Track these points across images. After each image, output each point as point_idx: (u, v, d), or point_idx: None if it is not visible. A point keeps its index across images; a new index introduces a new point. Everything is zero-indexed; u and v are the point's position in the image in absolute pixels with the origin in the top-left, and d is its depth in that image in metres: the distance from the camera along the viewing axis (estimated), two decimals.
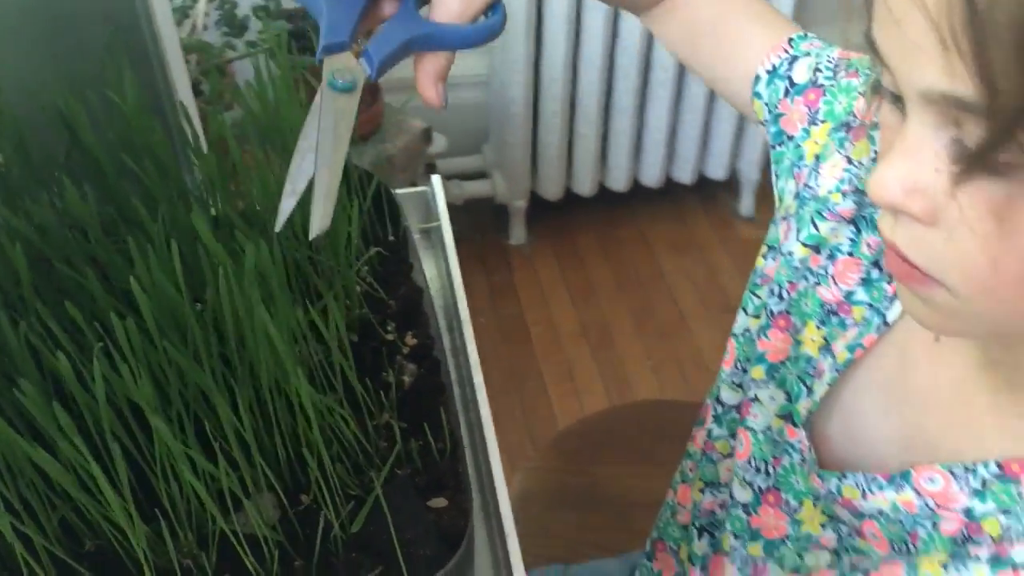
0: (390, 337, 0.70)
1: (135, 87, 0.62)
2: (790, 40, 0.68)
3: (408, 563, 0.56)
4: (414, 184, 1.91)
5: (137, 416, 0.53)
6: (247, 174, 0.66)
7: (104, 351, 0.51)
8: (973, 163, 0.39)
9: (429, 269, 0.85)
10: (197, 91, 1.23)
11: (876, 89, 0.46)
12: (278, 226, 0.51)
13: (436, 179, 0.85)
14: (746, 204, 2.31)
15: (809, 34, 0.69)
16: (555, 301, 2.15)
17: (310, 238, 0.50)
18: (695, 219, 2.33)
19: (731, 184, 2.30)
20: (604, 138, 2.12)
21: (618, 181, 2.18)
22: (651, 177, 2.20)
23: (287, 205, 0.51)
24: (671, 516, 0.85)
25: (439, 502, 0.61)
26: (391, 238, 0.78)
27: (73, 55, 0.71)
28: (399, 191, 0.83)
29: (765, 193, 2.31)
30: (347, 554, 0.57)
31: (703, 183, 2.27)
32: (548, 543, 1.10)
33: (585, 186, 2.17)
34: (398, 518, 0.58)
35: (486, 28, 0.55)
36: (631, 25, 1.90)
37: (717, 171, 2.22)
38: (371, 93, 1.69)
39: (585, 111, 2.03)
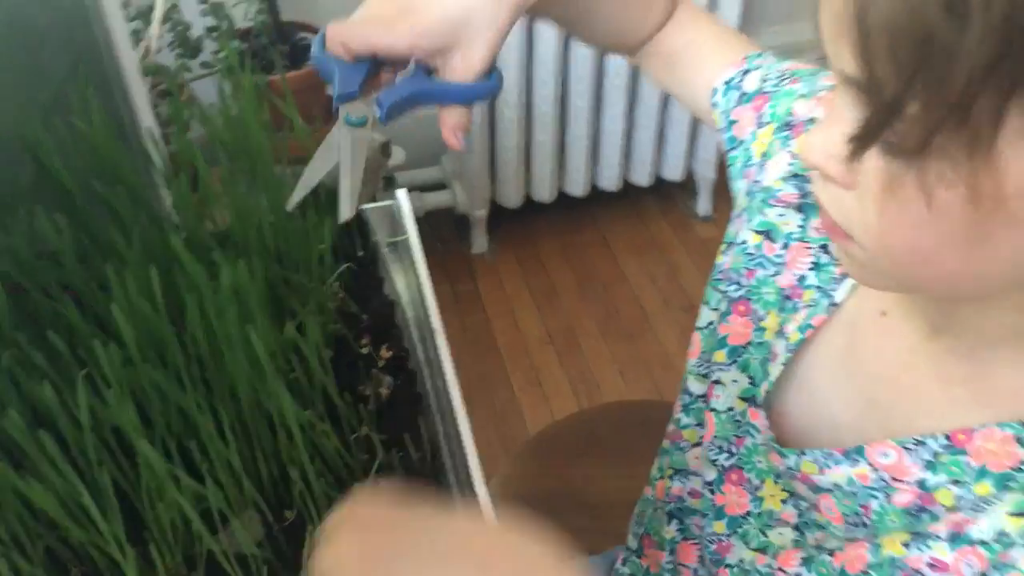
0: (365, 351, 0.71)
1: (101, 113, 0.62)
2: (745, 57, 0.75)
3: None
4: (374, 198, 1.91)
5: (119, 441, 0.54)
6: (215, 196, 0.67)
7: (85, 378, 0.51)
8: (861, 140, 0.43)
9: (398, 281, 0.86)
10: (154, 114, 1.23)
11: (824, 59, 0.50)
12: (290, 206, 0.62)
13: (402, 192, 0.86)
14: (703, 204, 2.34)
15: (764, 52, 0.75)
16: (520, 308, 2.16)
17: (339, 223, 0.61)
18: (654, 220, 2.35)
19: (687, 185, 2.33)
20: (561, 144, 2.13)
21: (577, 186, 2.20)
22: (609, 181, 2.22)
23: (299, 195, 0.63)
24: (654, 511, 0.87)
25: None
26: (360, 253, 0.79)
27: (34, 83, 0.71)
28: (366, 206, 0.84)
29: (721, 192, 2.34)
30: None
31: (660, 185, 2.29)
32: None
33: (544, 192, 2.19)
34: None
35: (484, 88, 0.64)
36: None
37: (673, 172, 2.25)
38: (327, 110, 1.69)
39: (542, 118, 2.04)
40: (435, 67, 0.64)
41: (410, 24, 0.61)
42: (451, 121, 0.65)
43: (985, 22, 0.37)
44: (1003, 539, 0.50)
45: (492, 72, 0.64)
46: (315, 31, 1.67)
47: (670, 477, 0.82)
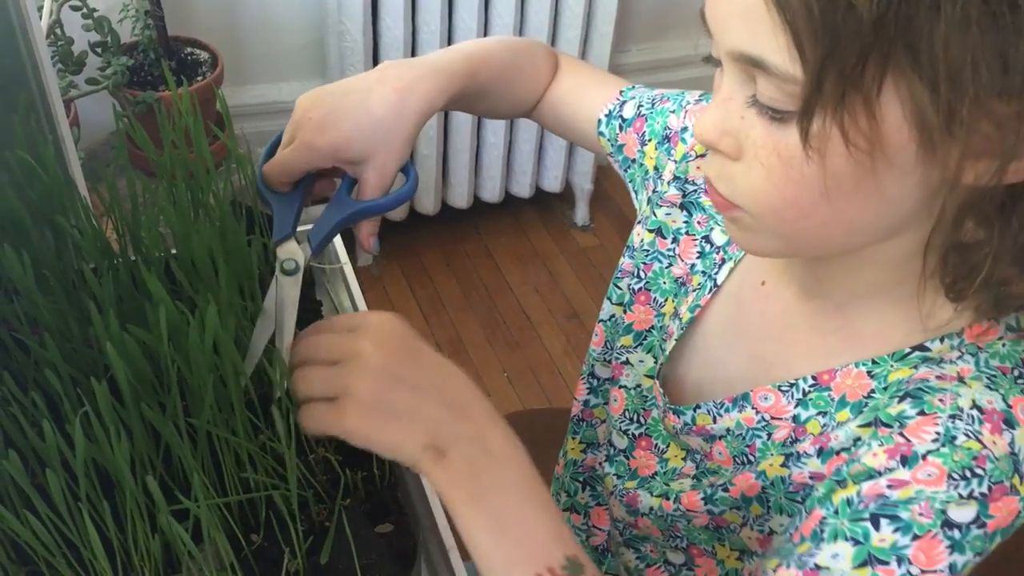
0: None
1: (46, 145, 0.62)
2: (620, 91, 0.85)
3: None
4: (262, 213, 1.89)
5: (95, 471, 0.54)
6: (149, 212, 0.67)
7: (58, 415, 0.51)
8: (805, 111, 0.49)
9: (327, 304, 0.88)
10: None
11: (708, 59, 0.58)
12: (248, 370, 0.64)
13: None
14: (581, 213, 2.42)
15: (636, 85, 0.86)
16: (407, 319, 2.17)
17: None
18: (535, 230, 2.42)
19: (566, 195, 2.40)
20: (444, 158, 2.17)
21: (460, 198, 2.24)
22: (491, 192, 2.26)
23: (251, 362, 0.65)
24: (569, 480, 0.94)
25: (385, 527, 0.64)
26: None
27: None
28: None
29: (598, 202, 2.43)
30: None
31: (540, 196, 2.36)
32: None
33: (428, 205, 2.22)
34: (354, 546, 0.60)
35: (398, 197, 0.71)
36: None
37: (552, 184, 2.32)
38: (219, 124, 1.67)
39: (424, 132, 2.07)
40: (356, 178, 0.72)
41: (327, 140, 0.70)
42: (365, 229, 0.74)
43: None
44: (857, 443, 0.59)
45: (408, 172, 0.72)
46: (202, 46, 1.65)
47: (582, 451, 0.92)
